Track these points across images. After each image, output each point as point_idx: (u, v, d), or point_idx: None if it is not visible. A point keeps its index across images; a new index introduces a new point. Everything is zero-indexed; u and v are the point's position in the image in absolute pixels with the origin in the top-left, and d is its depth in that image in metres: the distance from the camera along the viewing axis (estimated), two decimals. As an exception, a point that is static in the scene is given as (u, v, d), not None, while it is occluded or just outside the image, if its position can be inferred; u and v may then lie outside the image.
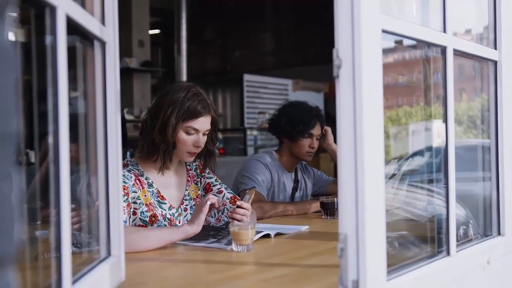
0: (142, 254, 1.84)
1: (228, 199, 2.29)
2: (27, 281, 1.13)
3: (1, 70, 0.57)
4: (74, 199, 1.10)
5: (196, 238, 2.01)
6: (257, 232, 1.99)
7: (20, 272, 0.75)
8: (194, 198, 2.30)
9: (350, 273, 1.15)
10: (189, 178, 2.32)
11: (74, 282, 1.07)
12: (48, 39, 0.98)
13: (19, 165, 0.60)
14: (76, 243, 1.32)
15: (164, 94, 2.17)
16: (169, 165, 2.21)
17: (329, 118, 3.14)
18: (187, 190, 2.29)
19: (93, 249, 1.38)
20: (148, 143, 2.15)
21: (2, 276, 0.55)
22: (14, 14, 0.63)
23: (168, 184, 2.24)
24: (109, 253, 1.35)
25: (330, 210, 2.59)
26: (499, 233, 1.78)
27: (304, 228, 2.31)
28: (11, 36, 0.61)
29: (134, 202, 2.09)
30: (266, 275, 1.56)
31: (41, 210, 1.67)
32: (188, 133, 2.14)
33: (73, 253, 1.05)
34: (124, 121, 6.12)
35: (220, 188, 2.34)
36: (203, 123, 2.15)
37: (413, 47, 1.70)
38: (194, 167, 2.36)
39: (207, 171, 2.37)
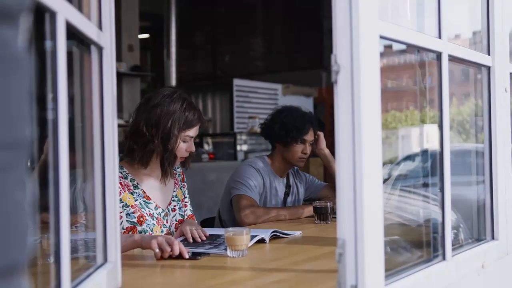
0: (139, 260, 1.83)
1: (187, 216, 2.37)
2: None
3: (16, 78, 0.57)
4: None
5: (193, 244, 2.00)
6: (252, 237, 1.99)
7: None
8: (181, 200, 2.38)
9: (349, 278, 1.15)
10: (176, 181, 2.40)
11: (72, 288, 1.06)
12: (48, 44, 0.97)
13: (30, 172, 0.60)
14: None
15: (156, 104, 2.19)
16: (171, 172, 2.30)
17: (319, 123, 3.15)
18: (175, 191, 2.36)
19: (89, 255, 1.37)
20: (148, 152, 2.19)
21: (16, 284, 0.54)
22: (28, 21, 0.62)
23: (155, 186, 2.29)
24: (105, 259, 1.34)
25: (323, 215, 2.60)
26: (493, 238, 1.79)
27: (298, 233, 2.31)
28: (25, 43, 0.61)
29: None
30: (262, 280, 1.56)
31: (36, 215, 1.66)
32: (184, 141, 2.24)
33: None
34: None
35: (187, 202, 2.44)
36: (197, 130, 2.28)
37: (402, 52, 1.71)
38: (178, 173, 2.44)
39: (184, 182, 2.47)
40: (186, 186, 2.46)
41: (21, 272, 0.55)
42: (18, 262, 0.55)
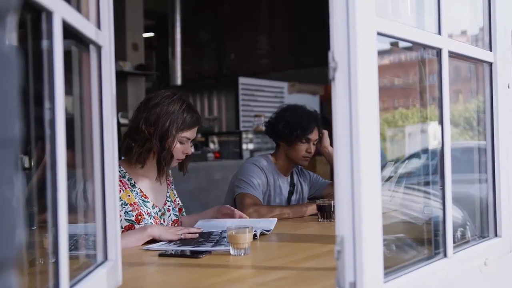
0: (139, 259, 1.83)
1: (172, 220, 2.38)
2: (23, 286, 1.12)
3: (4, 76, 0.58)
4: (70, 204, 1.10)
5: (189, 243, 1.99)
6: None
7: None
8: (174, 201, 2.43)
9: (347, 275, 1.15)
10: (169, 183, 2.44)
11: (71, 286, 1.07)
12: (44, 44, 0.97)
13: (19, 169, 0.61)
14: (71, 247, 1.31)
15: (156, 104, 2.23)
16: (167, 171, 2.34)
17: (325, 121, 3.14)
18: (168, 192, 2.41)
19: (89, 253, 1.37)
20: (145, 151, 2.22)
21: (3, 279, 0.55)
22: (15, 20, 0.63)
23: (151, 186, 2.32)
24: (106, 258, 1.34)
25: (326, 213, 2.59)
26: (495, 235, 1.79)
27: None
28: (13, 42, 0.61)
29: None
30: (263, 278, 1.56)
31: (37, 215, 1.67)
32: (181, 143, 2.26)
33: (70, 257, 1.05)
34: (118, 125, 6.11)
35: (179, 202, 2.46)
36: (194, 132, 2.31)
37: (408, 49, 1.70)
38: (170, 175, 2.48)
39: (173, 185, 2.49)
40: (174, 188, 2.49)
41: (9, 268, 0.56)
42: (6, 258, 0.55)
